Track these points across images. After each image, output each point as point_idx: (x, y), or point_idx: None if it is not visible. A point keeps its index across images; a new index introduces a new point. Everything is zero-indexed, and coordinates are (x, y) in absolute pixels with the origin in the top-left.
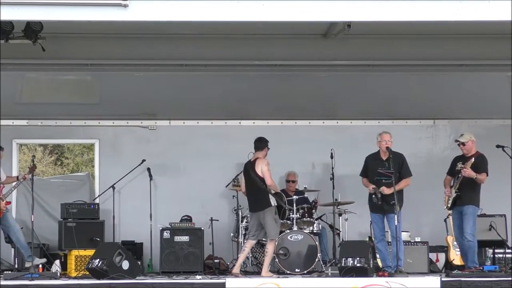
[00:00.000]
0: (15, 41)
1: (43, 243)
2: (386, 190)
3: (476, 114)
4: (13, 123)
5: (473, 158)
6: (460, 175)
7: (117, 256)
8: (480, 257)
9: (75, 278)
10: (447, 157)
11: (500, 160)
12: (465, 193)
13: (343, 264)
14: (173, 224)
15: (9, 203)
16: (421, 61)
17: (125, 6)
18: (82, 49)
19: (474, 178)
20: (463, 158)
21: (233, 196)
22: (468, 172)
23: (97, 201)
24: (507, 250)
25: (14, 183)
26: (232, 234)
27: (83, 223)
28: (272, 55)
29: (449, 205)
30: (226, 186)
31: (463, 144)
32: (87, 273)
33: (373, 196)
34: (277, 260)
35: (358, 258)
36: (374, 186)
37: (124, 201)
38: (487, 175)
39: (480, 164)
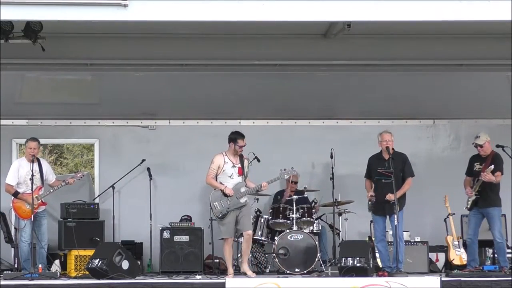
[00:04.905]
0: (15, 41)
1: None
2: (391, 197)
3: (476, 114)
4: (13, 122)
5: (492, 166)
6: (480, 178)
7: (117, 256)
8: (480, 257)
9: (75, 278)
10: (447, 157)
11: None
12: (488, 196)
13: (343, 264)
14: (173, 224)
15: (44, 204)
16: (421, 61)
17: (125, 6)
18: (82, 49)
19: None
20: (479, 158)
21: None
22: (489, 177)
23: (97, 201)
24: (507, 250)
25: (55, 187)
26: None
27: (83, 223)
28: (272, 55)
29: (468, 206)
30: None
31: (481, 146)
32: (87, 273)
33: (369, 202)
34: (277, 260)
35: (358, 258)
36: (373, 194)
37: (124, 201)
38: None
39: (496, 165)
